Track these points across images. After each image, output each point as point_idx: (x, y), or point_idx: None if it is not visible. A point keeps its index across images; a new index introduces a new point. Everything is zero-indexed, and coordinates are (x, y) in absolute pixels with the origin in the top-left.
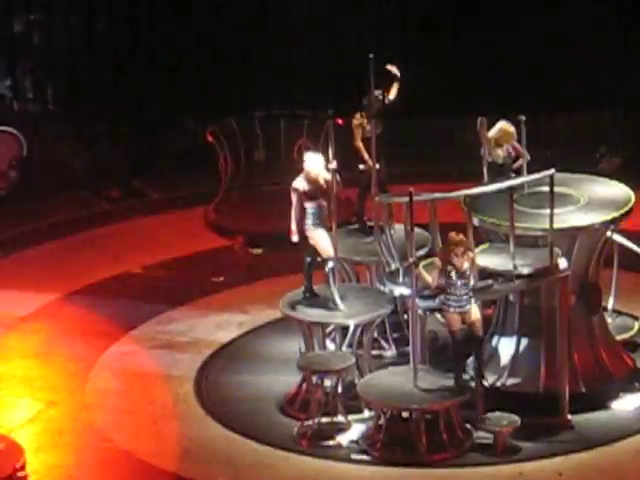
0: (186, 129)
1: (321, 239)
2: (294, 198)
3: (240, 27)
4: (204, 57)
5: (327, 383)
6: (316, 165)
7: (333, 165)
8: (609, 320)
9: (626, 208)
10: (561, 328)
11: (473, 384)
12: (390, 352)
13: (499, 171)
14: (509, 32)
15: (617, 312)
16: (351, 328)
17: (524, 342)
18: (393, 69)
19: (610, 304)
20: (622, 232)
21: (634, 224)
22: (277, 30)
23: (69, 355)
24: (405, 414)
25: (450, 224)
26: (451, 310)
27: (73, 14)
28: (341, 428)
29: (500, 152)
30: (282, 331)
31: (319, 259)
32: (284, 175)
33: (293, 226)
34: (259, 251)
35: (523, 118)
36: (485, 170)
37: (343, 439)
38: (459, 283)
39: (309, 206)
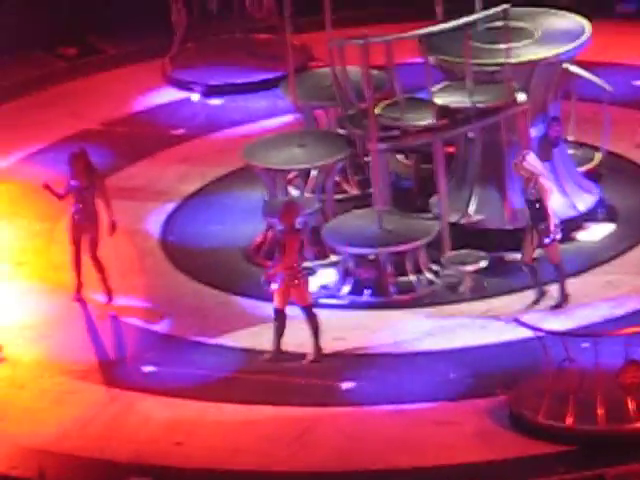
0: None
1: None
2: None
3: None
4: None
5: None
6: None
7: None
8: (570, 152)
9: (581, 39)
10: None
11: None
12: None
13: None
14: None
15: (578, 143)
16: (313, 173)
17: (487, 179)
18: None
19: (571, 136)
20: (578, 63)
21: (590, 55)
22: None
23: (34, 216)
24: (371, 257)
25: (406, 65)
26: None
27: None
28: (308, 274)
29: None
30: (245, 180)
31: None
32: (238, 24)
33: None
34: None
35: None
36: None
37: (311, 284)
38: None
39: None
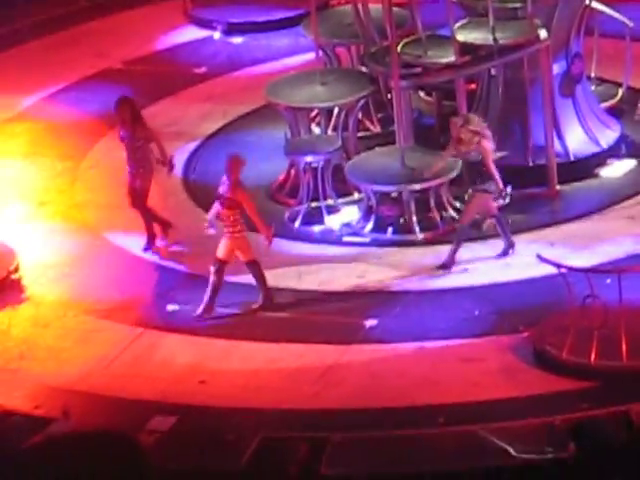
0: None
1: None
2: None
3: None
4: None
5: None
6: None
7: None
8: (592, 88)
9: None
10: (546, 99)
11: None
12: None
13: None
14: None
15: (600, 80)
16: (335, 111)
17: (509, 115)
18: None
19: (593, 72)
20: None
21: None
22: None
23: (56, 154)
24: (394, 194)
25: (428, 1)
26: None
27: None
28: (331, 211)
29: None
30: (267, 118)
31: None
32: None
33: None
34: None
35: None
36: None
37: (334, 222)
38: None
39: None
